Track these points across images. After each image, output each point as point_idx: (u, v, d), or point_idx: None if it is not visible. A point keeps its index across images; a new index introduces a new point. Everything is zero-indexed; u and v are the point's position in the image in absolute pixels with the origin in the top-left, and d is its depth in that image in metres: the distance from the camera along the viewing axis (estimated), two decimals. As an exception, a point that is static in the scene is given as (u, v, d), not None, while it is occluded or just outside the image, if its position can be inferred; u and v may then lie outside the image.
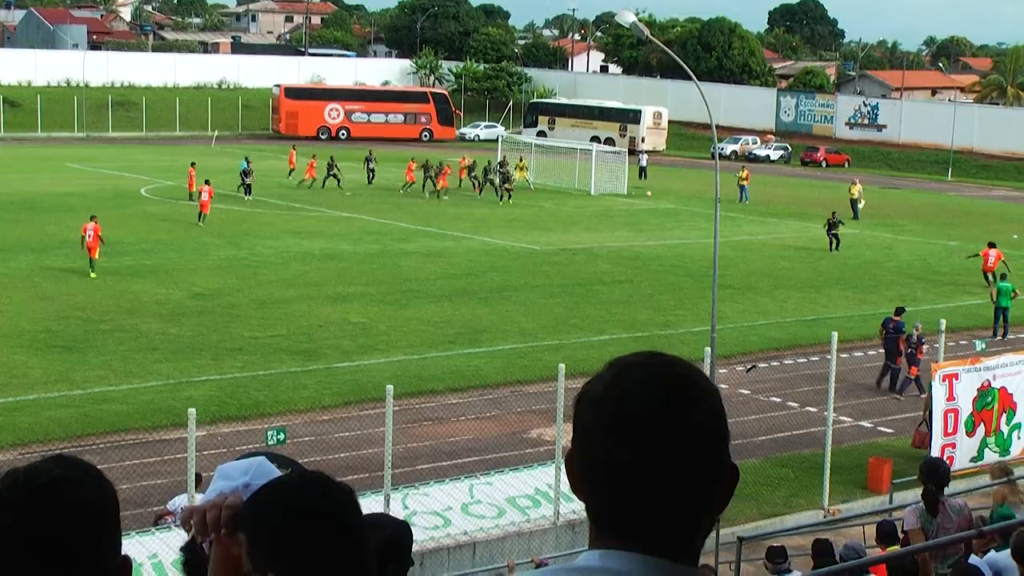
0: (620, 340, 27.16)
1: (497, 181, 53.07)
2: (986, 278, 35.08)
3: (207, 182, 44.16)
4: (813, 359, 26.79)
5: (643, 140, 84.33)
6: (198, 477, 14.37)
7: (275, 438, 14.97)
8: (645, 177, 66.48)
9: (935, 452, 18.37)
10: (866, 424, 22.95)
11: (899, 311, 25.63)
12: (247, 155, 55.00)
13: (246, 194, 49.51)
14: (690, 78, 21.91)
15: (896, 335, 24.78)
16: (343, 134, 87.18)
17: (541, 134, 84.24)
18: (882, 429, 22.69)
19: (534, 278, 34.88)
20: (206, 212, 42.66)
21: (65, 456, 2.04)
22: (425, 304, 30.57)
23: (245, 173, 51.12)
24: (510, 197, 52.31)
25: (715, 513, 1.79)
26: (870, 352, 28.12)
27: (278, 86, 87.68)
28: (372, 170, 58.97)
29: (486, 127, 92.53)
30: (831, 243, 41.78)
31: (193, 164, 50.16)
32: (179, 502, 14.64)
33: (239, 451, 20.81)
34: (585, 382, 1.87)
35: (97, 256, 32.56)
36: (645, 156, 69.71)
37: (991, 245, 35.68)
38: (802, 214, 53.31)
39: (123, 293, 30.54)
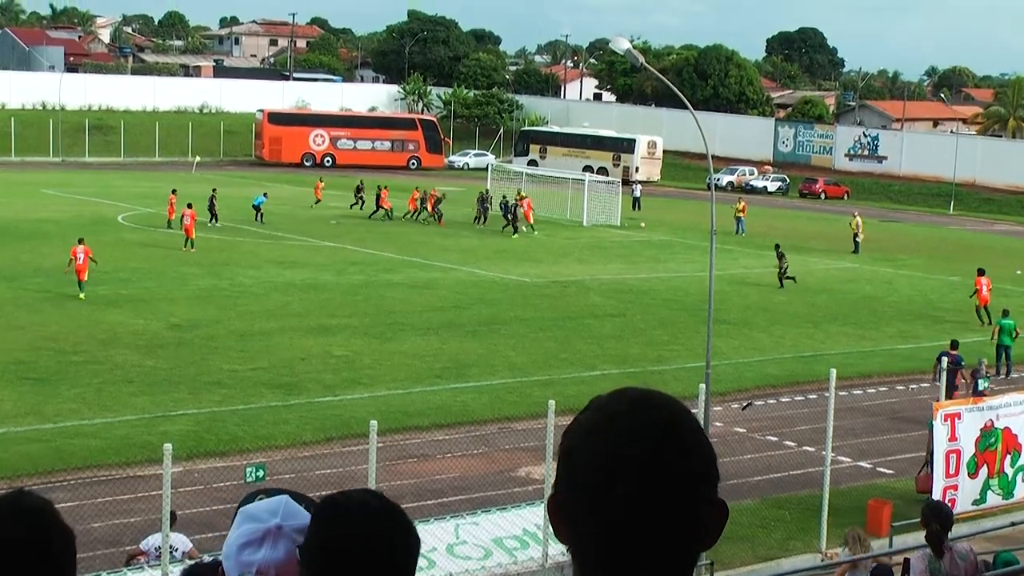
0: (612, 376, 27.15)
1: (509, 215, 52.92)
2: (979, 314, 35.33)
3: (189, 205, 44.34)
4: (811, 397, 26.80)
5: (637, 170, 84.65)
6: (173, 515, 14.29)
7: (254, 475, 14.90)
8: (639, 208, 66.63)
9: (936, 494, 18.36)
10: (865, 464, 22.94)
11: (954, 344, 25.81)
12: (265, 191, 55.36)
13: (213, 221, 49.45)
14: (686, 107, 22.04)
15: (956, 368, 24.77)
16: (328, 161, 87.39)
17: (532, 163, 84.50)
18: (882, 470, 22.69)
19: (524, 311, 34.90)
20: (191, 236, 42.92)
21: (12, 493, 2.03)
22: (411, 337, 30.54)
23: (257, 208, 51.74)
24: (515, 231, 52.32)
25: (705, 548, 1.81)
26: (869, 390, 28.14)
27: (261, 111, 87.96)
28: (362, 199, 59.07)
29: (475, 155, 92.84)
30: (781, 278, 40.69)
31: (174, 191, 50.26)
32: (152, 542, 14.55)
33: (216, 488, 20.62)
34: (568, 424, 1.88)
35: (86, 279, 33.56)
36: (639, 187, 70.14)
37: (981, 272, 36.04)
38: (800, 247, 53.46)
39: (98, 323, 30.46)
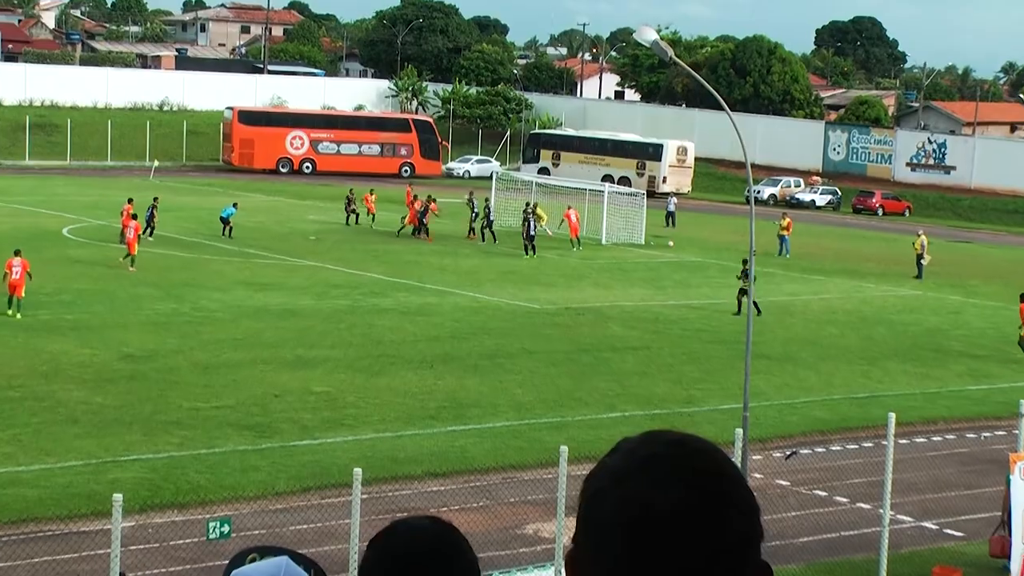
0: (634, 418, 27.15)
1: (525, 229, 53.09)
2: (1021, 346, 35.52)
3: (134, 217, 44.33)
4: (866, 445, 26.76)
5: (665, 180, 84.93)
6: (123, 577, 14.27)
7: (218, 531, 14.89)
8: (673, 225, 66.84)
9: (1015, 561, 18.29)
10: (930, 525, 22.88)
11: None
12: (235, 201, 55.54)
13: (149, 234, 49.53)
14: (721, 107, 22.11)
15: None
16: (307, 167, 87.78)
17: (544, 171, 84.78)
18: (949, 532, 22.63)
19: (533, 342, 34.93)
20: (133, 253, 42.86)
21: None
22: (402, 371, 30.57)
23: (225, 220, 52.03)
24: (535, 251, 52.47)
25: None
26: (934, 438, 28.10)
27: (231, 109, 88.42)
28: (356, 212, 59.29)
29: (478, 162, 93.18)
30: (739, 304, 40.19)
31: (130, 201, 50.50)
32: (100, 607, 14.52)
33: (173, 546, 20.60)
34: (593, 468, 1.88)
35: (23, 296, 34.10)
36: (674, 200, 70.13)
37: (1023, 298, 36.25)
38: (854, 271, 53.54)
39: (38, 354, 30.50)
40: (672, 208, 68.40)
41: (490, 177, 69.55)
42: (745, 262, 41.95)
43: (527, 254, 52.29)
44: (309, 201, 64.97)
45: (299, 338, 33.86)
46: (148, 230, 49.76)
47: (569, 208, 57.24)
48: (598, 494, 1.82)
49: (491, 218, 56.80)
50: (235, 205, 53.81)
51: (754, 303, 40.24)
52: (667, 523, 1.76)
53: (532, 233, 52.56)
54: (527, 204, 56.78)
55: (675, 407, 28.70)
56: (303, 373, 29.95)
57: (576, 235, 55.78)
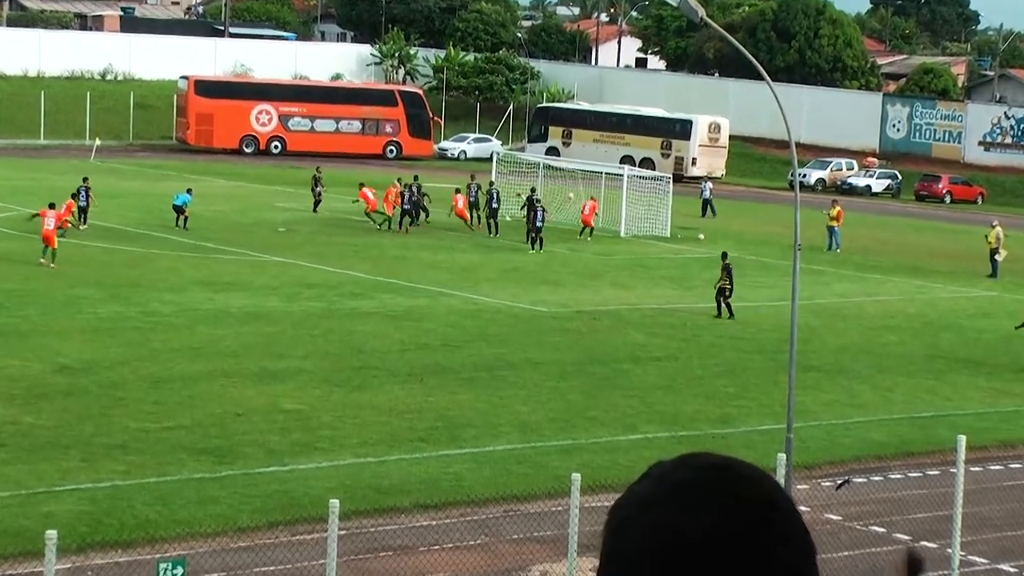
0: (658, 441, 27.12)
1: (530, 219, 53.05)
2: None
3: (51, 205, 44.21)
4: (931, 473, 26.73)
5: (694, 162, 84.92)
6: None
7: (170, 573, 14.87)
8: (713, 214, 66.78)
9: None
10: (1008, 568, 22.85)
11: None
12: (189, 187, 55.58)
13: (82, 222, 49.55)
14: (761, 77, 22.09)
15: None
16: (276, 147, 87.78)
17: (552, 151, 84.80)
18: (1029, 574, 22.59)
19: (539, 352, 34.90)
20: (53, 246, 42.76)
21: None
22: (386, 386, 30.56)
23: (180, 209, 52.09)
24: (541, 245, 52.48)
25: None
26: (1012, 465, 28.03)
27: (185, 79, 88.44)
28: (318, 193, 59.42)
29: (475, 141, 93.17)
30: (719, 307, 40.47)
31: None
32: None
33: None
34: (619, 497, 1.90)
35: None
36: (709, 186, 70.02)
37: None
38: (916, 268, 53.51)
39: (-40, 364, 30.50)
40: (708, 194, 68.39)
41: (490, 158, 69.58)
42: (725, 256, 42.02)
43: (533, 248, 52.31)
44: (278, 186, 64.97)
45: (266, 347, 33.83)
46: (81, 217, 49.76)
47: (592, 199, 57.23)
48: (624, 522, 1.84)
49: (494, 205, 56.70)
50: (189, 191, 53.83)
51: (727, 304, 40.52)
52: (700, 551, 1.77)
53: (539, 224, 52.55)
54: (532, 190, 56.81)
55: (706, 427, 28.67)
56: (270, 388, 29.92)
57: (590, 224, 55.75)
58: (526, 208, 54.49)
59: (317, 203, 59.52)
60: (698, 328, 39.34)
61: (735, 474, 1.85)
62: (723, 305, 40.65)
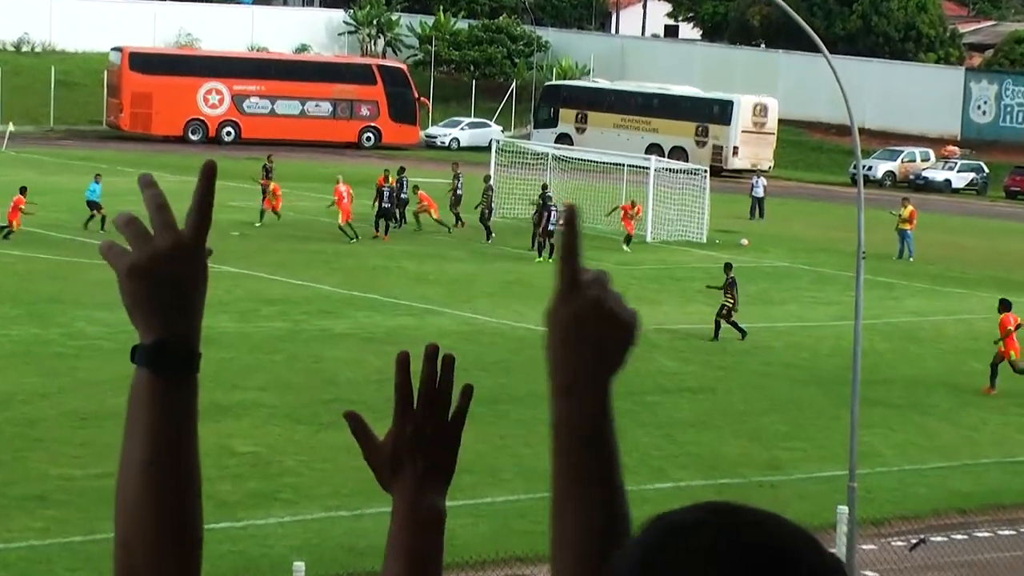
0: (692, 489, 26.99)
1: (541, 222, 53.04)
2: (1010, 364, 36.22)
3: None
4: (1026, 529, 26.66)
5: (736, 152, 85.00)
6: None
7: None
8: (761, 215, 66.73)
9: None
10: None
11: None
12: (98, 173, 55.65)
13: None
14: (816, 49, 22.05)
15: None
16: (228, 133, 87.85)
17: (564, 139, 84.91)
18: None
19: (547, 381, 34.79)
20: None
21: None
22: (362, 424, 30.47)
23: (95, 205, 52.14)
24: (551, 252, 52.41)
25: None
26: (1124, 519, 27.91)
27: (118, 51, 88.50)
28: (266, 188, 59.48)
29: (471, 126, 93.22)
30: (717, 328, 40.60)
31: (23, 190, 50.75)
32: None
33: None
34: (620, 549, 1.98)
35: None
36: (762, 182, 69.77)
37: (1005, 306, 36.46)
38: (1007, 281, 53.32)
39: None
40: (760, 192, 68.31)
41: (488, 147, 69.54)
42: (729, 267, 41.95)
43: (540, 255, 52.22)
44: (231, 181, 64.55)
45: (216, 376, 33.71)
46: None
47: (633, 204, 56.64)
48: None
49: (492, 206, 56.67)
50: (97, 178, 53.69)
51: (732, 323, 40.39)
52: None
53: (551, 227, 52.38)
54: (544, 187, 56.69)
55: (751, 474, 28.60)
56: (221, 426, 29.82)
57: (630, 231, 55.43)
58: (536, 208, 54.13)
59: (270, 201, 59.43)
60: (741, 353, 39.21)
61: (760, 523, 1.91)
62: (722, 325, 40.37)
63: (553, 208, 52.90)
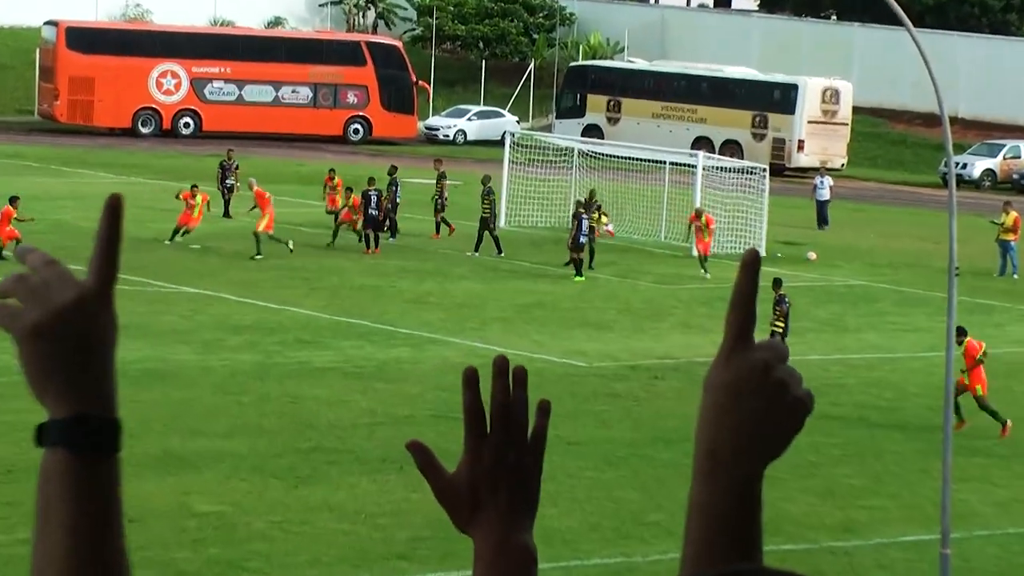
0: (753, 559, 26.95)
1: (574, 231, 52.93)
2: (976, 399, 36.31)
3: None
4: None
5: (801, 147, 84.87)
6: None
7: None
8: (825, 223, 66.53)
9: None
10: None
11: None
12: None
13: None
14: (898, 22, 22.04)
15: None
16: (187, 125, 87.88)
17: (593, 131, 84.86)
18: None
19: (575, 426, 34.76)
20: None
21: None
22: (349, 477, 30.53)
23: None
24: (581, 268, 52.40)
25: None
26: None
27: (53, 25, 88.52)
28: (230, 188, 59.55)
29: (479, 116, 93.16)
30: None
31: (14, 200, 50.86)
32: None
33: None
34: None
35: None
36: (828, 182, 69.38)
37: (962, 333, 36.29)
38: None
39: None
40: (826, 195, 68.05)
41: (500, 141, 69.53)
42: (778, 284, 41.92)
43: (579, 275, 51.76)
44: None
45: (172, 420, 33.74)
46: None
47: (699, 215, 56.03)
48: None
49: (494, 211, 56.39)
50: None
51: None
52: None
53: (581, 240, 51.99)
54: (591, 193, 56.25)
55: (822, 537, 28.61)
56: (178, 480, 29.85)
57: (706, 252, 54.70)
58: (572, 216, 53.70)
59: (227, 203, 59.52)
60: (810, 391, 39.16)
61: None
62: None
63: (584, 218, 52.75)
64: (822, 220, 67.35)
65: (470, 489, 2.74)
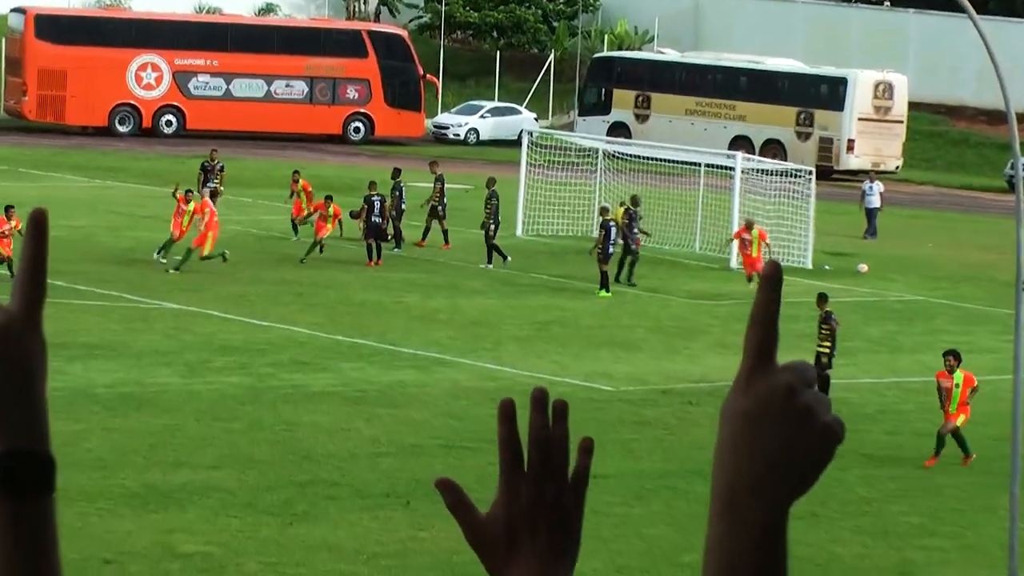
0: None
1: (601, 240, 52.85)
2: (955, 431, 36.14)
3: None
4: None
5: (851, 147, 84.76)
6: None
7: None
8: (873, 233, 66.41)
9: None
10: None
11: None
12: None
13: None
14: (959, 8, 21.96)
15: None
16: (169, 123, 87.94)
17: (619, 130, 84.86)
18: None
19: (601, 457, 34.22)
20: None
21: None
22: (349, 514, 30.55)
23: None
24: (617, 276, 52.38)
25: None
26: None
27: (20, 12, 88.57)
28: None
29: (494, 113, 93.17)
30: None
31: (9, 209, 51.05)
32: None
33: None
34: None
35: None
36: (877, 187, 69.27)
37: (957, 358, 36.53)
38: None
39: None
40: (876, 202, 67.92)
41: (517, 141, 69.53)
42: (823, 299, 41.78)
43: (604, 289, 51.68)
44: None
45: (153, 450, 33.74)
46: None
47: (750, 227, 55.58)
48: None
49: (497, 217, 56.09)
50: None
51: (826, 377, 40.20)
52: None
53: (611, 249, 51.89)
54: (634, 195, 56.09)
55: (876, 581, 28.46)
56: (160, 518, 29.85)
57: (757, 268, 54.58)
58: (600, 226, 53.63)
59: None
60: (859, 419, 38.99)
61: None
62: (822, 383, 40.19)
63: (612, 225, 52.64)
64: (871, 230, 67.15)
65: (506, 529, 2.70)
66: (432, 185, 59.73)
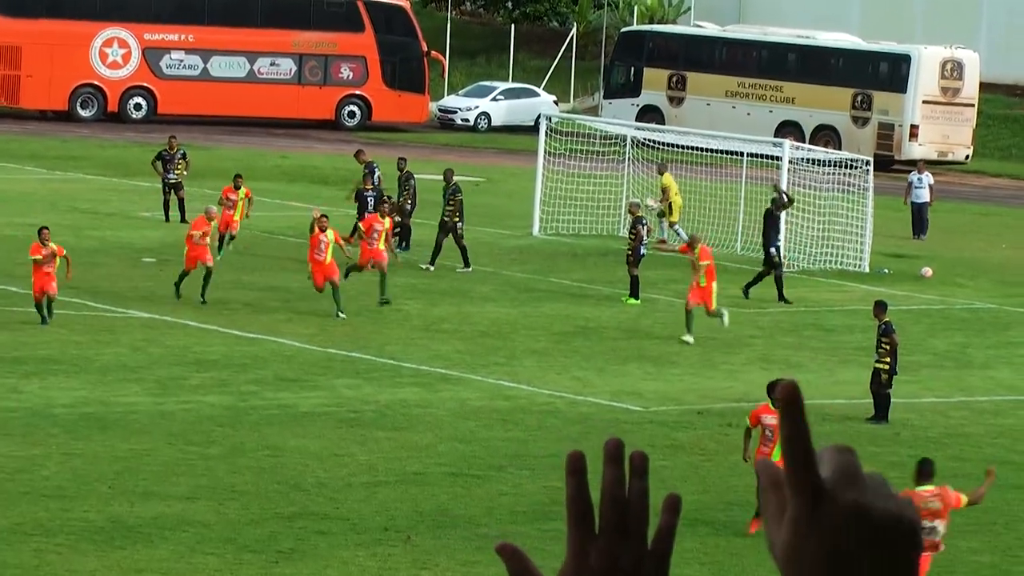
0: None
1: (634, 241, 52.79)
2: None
3: None
4: None
5: (915, 134, 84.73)
6: None
7: None
8: (922, 232, 66.42)
9: None
10: None
11: None
12: None
13: None
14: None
15: None
16: (138, 107, 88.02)
17: (651, 114, 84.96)
18: None
19: (627, 487, 34.79)
20: None
21: None
22: (343, 551, 30.61)
23: None
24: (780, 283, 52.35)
25: None
26: None
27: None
28: (175, 185, 59.52)
29: (507, 94, 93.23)
30: (877, 406, 41.09)
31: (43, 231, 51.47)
32: None
33: None
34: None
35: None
36: (927, 178, 69.29)
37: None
38: None
39: None
40: (925, 196, 67.81)
41: (535, 127, 69.60)
42: (882, 308, 41.82)
43: (633, 296, 51.65)
44: (142, 181, 64.82)
45: (119, 478, 33.81)
46: None
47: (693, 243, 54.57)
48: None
49: (462, 213, 55.61)
50: None
51: (880, 401, 40.11)
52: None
53: (643, 251, 51.83)
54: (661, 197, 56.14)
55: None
56: (126, 555, 29.94)
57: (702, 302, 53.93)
58: (631, 225, 53.56)
59: (180, 204, 59.49)
60: (922, 443, 39.07)
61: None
62: (882, 403, 40.33)
63: (643, 223, 52.60)
64: (919, 228, 66.76)
65: None
66: (398, 183, 59.13)
